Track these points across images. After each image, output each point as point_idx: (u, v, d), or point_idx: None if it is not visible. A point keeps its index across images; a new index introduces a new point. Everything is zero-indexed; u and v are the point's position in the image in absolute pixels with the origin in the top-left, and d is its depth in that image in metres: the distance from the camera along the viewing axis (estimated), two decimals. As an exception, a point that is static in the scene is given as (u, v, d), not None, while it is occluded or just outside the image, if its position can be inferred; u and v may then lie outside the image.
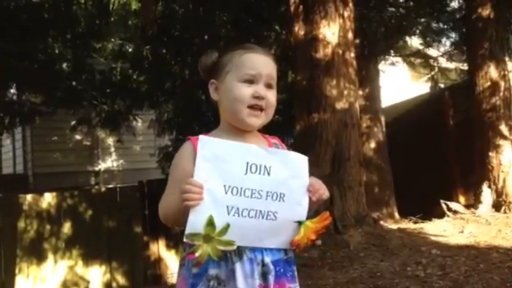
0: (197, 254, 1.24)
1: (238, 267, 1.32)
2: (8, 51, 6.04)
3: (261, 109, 1.43)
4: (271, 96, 1.44)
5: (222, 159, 1.31)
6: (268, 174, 1.33)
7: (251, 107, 1.42)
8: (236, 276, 1.32)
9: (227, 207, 1.28)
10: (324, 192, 1.41)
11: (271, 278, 1.35)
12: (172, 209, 1.36)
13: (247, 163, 1.32)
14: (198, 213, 1.25)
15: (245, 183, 1.31)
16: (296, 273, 1.44)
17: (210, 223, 1.24)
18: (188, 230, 1.24)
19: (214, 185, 1.28)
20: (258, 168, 1.33)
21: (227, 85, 1.44)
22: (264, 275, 1.35)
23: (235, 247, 1.29)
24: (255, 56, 1.45)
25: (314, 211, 1.40)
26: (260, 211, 1.31)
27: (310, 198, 1.38)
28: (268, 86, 1.44)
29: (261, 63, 1.44)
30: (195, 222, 1.24)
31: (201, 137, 1.33)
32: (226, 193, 1.29)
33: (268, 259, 1.36)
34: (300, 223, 1.35)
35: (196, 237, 1.24)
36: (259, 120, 1.43)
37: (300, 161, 1.40)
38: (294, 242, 1.35)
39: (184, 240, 1.25)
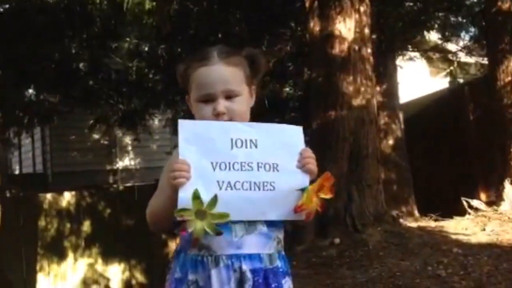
0: (190, 230, 1.22)
1: (213, 273, 1.31)
2: (26, 52, 6.10)
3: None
4: (235, 106, 1.38)
5: (204, 138, 1.29)
6: (256, 146, 1.32)
7: None
8: (211, 283, 1.30)
9: (218, 182, 1.26)
10: (311, 160, 1.35)
11: None
12: (159, 206, 1.35)
13: (231, 139, 1.30)
14: (187, 190, 1.24)
15: (233, 158, 1.29)
16: (286, 285, 1.37)
17: (196, 196, 1.23)
18: (178, 206, 1.23)
19: (201, 164, 1.27)
20: (243, 142, 1.31)
21: (192, 104, 1.43)
22: (241, 284, 1.31)
23: (230, 219, 1.26)
24: (208, 70, 1.38)
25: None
26: (255, 183, 1.29)
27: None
28: (229, 96, 1.38)
29: (214, 77, 1.38)
30: (185, 199, 1.23)
31: (180, 120, 1.31)
32: (214, 169, 1.27)
33: (246, 267, 1.31)
34: (303, 190, 1.32)
35: (186, 212, 1.22)
36: None
37: (292, 131, 1.38)
38: (297, 207, 1.31)
39: (175, 216, 1.23)
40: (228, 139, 1.30)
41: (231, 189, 1.27)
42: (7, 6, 6.31)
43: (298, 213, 1.32)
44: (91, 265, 8.66)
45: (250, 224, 1.34)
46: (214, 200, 1.24)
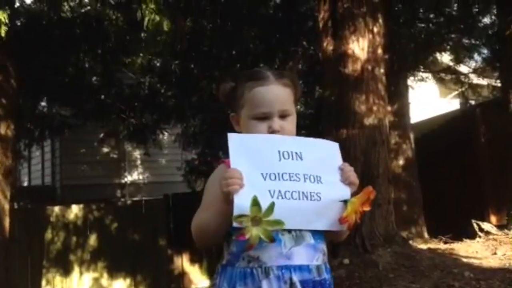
0: (247, 236, 1.25)
1: (264, 285, 1.31)
2: (40, 65, 6.16)
3: None
4: (287, 125, 1.45)
5: (254, 151, 1.34)
6: (301, 159, 1.37)
7: None
8: None
9: (269, 191, 1.30)
10: (352, 174, 1.41)
11: None
12: (209, 220, 1.36)
13: (279, 151, 1.35)
14: (243, 197, 1.27)
15: (281, 168, 1.33)
16: None
17: (255, 203, 1.25)
18: (235, 213, 1.26)
19: (252, 175, 1.31)
20: (290, 154, 1.36)
21: (243, 122, 1.48)
22: None
23: (284, 227, 1.29)
24: (265, 90, 1.44)
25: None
26: (303, 192, 1.33)
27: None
28: (283, 116, 1.45)
29: (272, 97, 1.44)
30: (241, 205, 1.26)
31: (229, 134, 1.36)
32: (265, 179, 1.31)
33: (296, 278, 1.33)
34: (345, 202, 1.36)
35: (244, 218, 1.25)
36: None
37: (330, 146, 1.46)
38: (342, 218, 1.35)
39: (234, 221, 1.25)
40: (276, 151, 1.35)
41: (282, 198, 1.30)
42: (23, 19, 6.39)
43: (342, 224, 1.36)
44: (96, 280, 8.61)
45: (298, 236, 1.37)
46: (271, 207, 1.26)
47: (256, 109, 1.43)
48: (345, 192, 1.38)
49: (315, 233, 1.39)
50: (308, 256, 1.37)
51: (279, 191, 1.30)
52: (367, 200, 1.37)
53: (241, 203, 1.26)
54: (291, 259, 1.34)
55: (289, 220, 1.30)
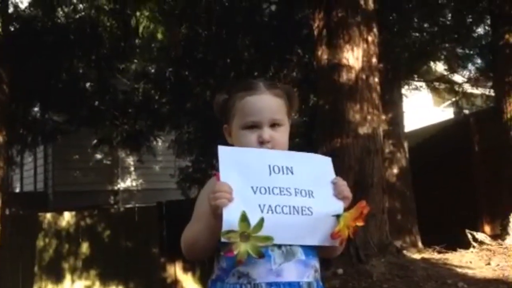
0: (235, 252, 1.22)
1: None
2: (33, 71, 6.13)
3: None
4: (278, 135, 1.43)
5: (244, 164, 1.32)
6: (292, 173, 1.35)
7: None
8: None
9: (259, 205, 1.27)
10: (346, 188, 1.38)
11: None
12: (198, 234, 1.34)
13: (269, 165, 1.34)
14: (232, 212, 1.24)
15: (272, 183, 1.31)
16: None
17: (244, 218, 1.23)
18: (224, 228, 1.23)
19: (242, 188, 1.28)
20: (280, 169, 1.34)
21: (234, 132, 1.46)
22: None
23: (273, 242, 1.26)
24: (256, 99, 1.43)
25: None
26: (294, 207, 1.30)
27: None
28: (274, 125, 1.43)
29: (262, 106, 1.42)
30: (230, 220, 1.23)
31: (220, 146, 1.33)
32: (255, 193, 1.29)
33: None
34: (338, 216, 1.34)
35: (233, 234, 1.22)
36: None
37: (323, 161, 1.44)
38: (335, 233, 1.32)
39: (221, 239, 1.23)
40: (266, 165, 1.33)
41: (272, 212, 1.28)
42: (17, 24, 6.36)
43: (334, 239, 1.33)
44: None
45: (289, 252, 1.34)
46: (261, 223, 1.24)
47: (246, 118, 1.41)
48: (338, 206, 1.35)
49: (307, 249, 1.35)
50: (299, 272, 1.33)
51: (269, 206, 1.28)
52: (360, 214, 1.34)
53: (230, 218, 1.23)
54: (280, 276, 1.31)
55: (280, 235, 1.27)
